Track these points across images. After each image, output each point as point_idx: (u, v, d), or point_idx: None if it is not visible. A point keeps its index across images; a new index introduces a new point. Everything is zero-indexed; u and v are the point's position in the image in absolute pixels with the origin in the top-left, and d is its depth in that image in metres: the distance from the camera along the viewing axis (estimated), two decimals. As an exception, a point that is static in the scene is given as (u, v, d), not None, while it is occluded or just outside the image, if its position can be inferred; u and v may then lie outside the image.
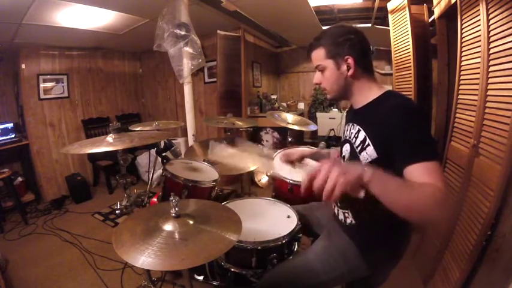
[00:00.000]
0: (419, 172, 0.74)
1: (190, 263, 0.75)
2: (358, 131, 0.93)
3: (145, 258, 0.75)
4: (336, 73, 0.93)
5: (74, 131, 3.73)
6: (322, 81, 0.98)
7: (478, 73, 1.40)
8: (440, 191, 0.68)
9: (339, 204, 1.08)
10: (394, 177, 0.70)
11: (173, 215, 0.93)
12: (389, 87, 1.47)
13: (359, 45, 0.91)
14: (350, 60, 0.90)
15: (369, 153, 0.88)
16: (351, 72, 0.91)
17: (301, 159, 1.42)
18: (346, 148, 1.01)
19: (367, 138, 0.89)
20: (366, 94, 0.95)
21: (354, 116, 1.00)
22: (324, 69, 0.95)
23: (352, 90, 0.96)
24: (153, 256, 0.76)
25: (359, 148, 0.92)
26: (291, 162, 1.42)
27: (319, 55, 0.95)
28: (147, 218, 0.97)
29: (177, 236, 0.87)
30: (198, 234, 0.87)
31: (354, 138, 0.95)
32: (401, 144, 0.79)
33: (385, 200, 0.68)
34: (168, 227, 0.90)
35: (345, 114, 4.47)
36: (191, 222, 0.93)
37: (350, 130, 1.00)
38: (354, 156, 0.94)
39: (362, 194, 0.68)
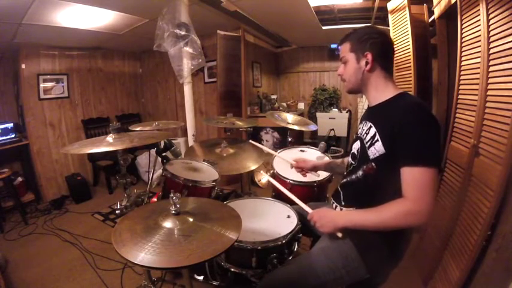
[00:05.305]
0: (406, 178, 0.83)
1: (197, 258, 0.74)
2: (370, 127, 0.98)
3: (151, 256, 0.75)
4: (355, 66, 1.00)
5: (74, 131, 3.73)
6: (344, 73, 1.05)
7: (478, 73, 1.40)
8: (407, 206, 0.81)
9: (342, 203, 1.08)
10: (361, 212, 0.93)
11: (173, 212, 0.92)
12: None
13: (380, 45, 0.97)
14: (369, 56, 0.96)
15: (377, 148, 0.91)
16: (368, 67, 0.97)
17: (313, 169, 1.46)
18: (357, 145, 1.05)
19: (376, 133, 0.93)
20: (382, 92, 0.99)
21: (368, 114, 1.06)
22: (346, 62, 1.03)
23: (368, 85, 1.01)
24: (158, 254, 0.76)
25: (368, 144, 0.96)
26: (303, 169, 1.48)
27: (345, 48, 1.03)
28: (146, 217, 0.96)
29: (178, 232, 0.86)
30: (199, 231, 0.87)
31: (365, 135, 0.99)
32: (405, 141, 0.84)
33: (360, 228, 0.91)
34: (168, 224, 0.90)
35: (345, 115, 4.48)
36: (191, 219, 0.93)
37: (362, 127, 1.04)
38: (363, 151, 0.98)
39: (340, 234, 0.95)
